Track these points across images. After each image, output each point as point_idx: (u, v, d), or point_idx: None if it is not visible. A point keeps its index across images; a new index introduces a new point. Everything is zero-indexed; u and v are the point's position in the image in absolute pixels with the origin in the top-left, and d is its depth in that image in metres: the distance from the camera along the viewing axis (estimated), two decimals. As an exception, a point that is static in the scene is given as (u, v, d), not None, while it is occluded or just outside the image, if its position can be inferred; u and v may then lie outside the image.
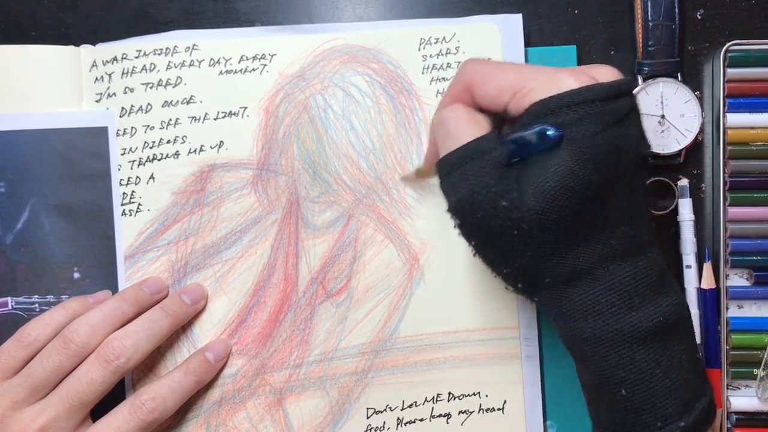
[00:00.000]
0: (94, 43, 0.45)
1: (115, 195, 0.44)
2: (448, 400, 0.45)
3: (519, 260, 0.33)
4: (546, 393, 0.45)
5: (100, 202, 0.44)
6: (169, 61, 0.45)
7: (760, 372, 0.45)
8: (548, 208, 0.31)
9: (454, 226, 0.34)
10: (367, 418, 0.44)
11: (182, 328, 0.44)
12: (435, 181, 0.35)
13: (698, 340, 0.45)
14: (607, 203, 0.32)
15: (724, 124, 0.45)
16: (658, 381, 0.32)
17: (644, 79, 0.45)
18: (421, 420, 0.45)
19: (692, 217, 0.46)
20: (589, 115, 0.31)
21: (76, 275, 0.44)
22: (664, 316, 0.32)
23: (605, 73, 0.33)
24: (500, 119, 0.36)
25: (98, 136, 0.44)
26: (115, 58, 0.45)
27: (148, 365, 0.44)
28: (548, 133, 0.31)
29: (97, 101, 0.45)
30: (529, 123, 0.32)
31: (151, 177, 0.45)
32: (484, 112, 0.35)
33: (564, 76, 0.32)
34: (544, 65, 0.43)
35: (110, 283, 0.44)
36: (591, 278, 0.32)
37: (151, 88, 0.45)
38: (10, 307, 0.44)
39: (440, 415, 0.45)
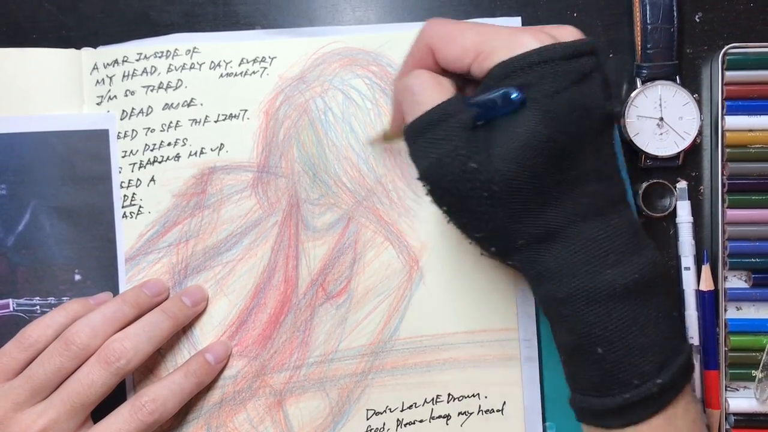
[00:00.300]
0: (95, 46, 0.45)
1: (116, 197, 0.44)
2: (448, 402, 0.45)
3: (491, 223, 0.33)
4: (545, 394, 0.45)
5: (100, 205, 0.44)
6: (170, 64, 0.45)
7: (758, 373, 0.45)
8: (516, 168, 0.31)
9: (426, 193, 0.34)
10: (367, 419, 0.45)
11: (183, 329, 0.44)
12: (401, 145, 0.35)
13: (696, 342, 0.46)
14: (575, 161, 0.32)
15: (722, 127, 0.45)
16: (635, 338, 0.32)
17: (643, 82, 0.45)
18: (421, 421, 0.45)
19: (691, 219, 0.46)
20: (549, 74, 0.31)
21: (77, 277, 0.44)
22: (640, 273, 0.32)
23: (566, 33, 0.33)
24: (464, 80, 0.36)
25: (99, 138, 0.44)
26: (116, 61, 0.45)
27: (148, 367, 0.44)
28: (512, 95, 0.31)
29: (98, 104, 0.45)
30: (492, 85, 0.32)
31: (152, 179, 0.45)
32: (447, 74, 0.35)
33: (524, 37, 0.32)
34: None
35: (111, 285, 0.44)
36: (564, 237, 0.32)
37: (151, 90, 0.45)
38: (11, 308, 0.44)
39: (440, 417, 0.45)
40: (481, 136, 0.32)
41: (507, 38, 0.32)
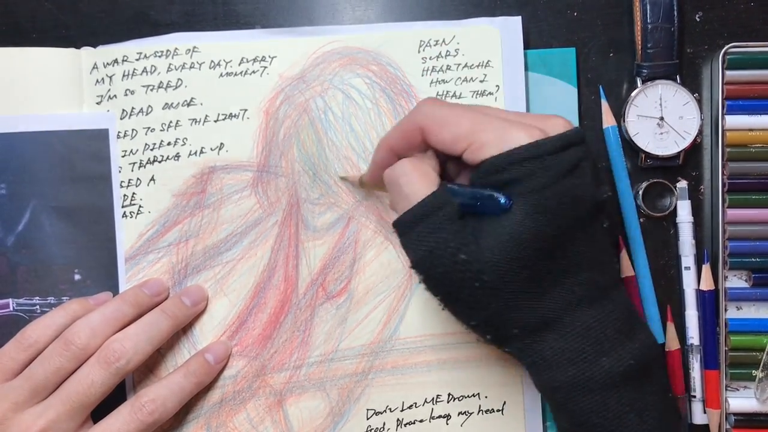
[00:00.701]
0: (94, 45, 0.45)
1: (115, 197, 0.44)
2: (448, 402, 0.45)
3: (484, 312, 0.33)
4: (545, 394, 0.45)
5: (100, 204, 0.44)
6: (170, 64, 0.45)
7: (758, 373, 0.45)
8: (505, 260, 0.31)
9: (419, 282, 0.35)
10: (367, 419, 0.44)
11: (183, 329, 0.44)
12: (378, 192, 0.38)
13: (697, 342, 0.45)
14: (566, 251, 0.32)
15: (722, 126, 0.45)
16: (633, 425, 0.32)
17: (643, 82, 0.45)
18: (421, 421, 0.44)
19: (691, 218, 0.46)
20: (537, 170, 0.32)
21: (77, 277, 0.44)
22: (635, 359, 0.32)
23: (556, 125, 0.33)
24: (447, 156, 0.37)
25: (99, 138, 0.44)
26: (115, 60, 0.44)
27: (148, 366, 0.44)
28: (500, 201, 0.32)
29: (97, 103, 0.44)
30: (481, 179, 0.33)
31: (152, 179, 0.44)
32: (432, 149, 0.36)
33: (515, 131, 0.32)
34: (547, 71, 0.44)
35: (111, 284, 0.44)
36: (558, 326, 0.33)
37: (151, 90, 0.45)
38: (11, 308, 0.43)
39: (440, 416, 0.44)
40: (469, 226, 0.33)
41: (498, 132, 0.33)
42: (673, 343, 0.45)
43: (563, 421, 0.34)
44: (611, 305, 0.33)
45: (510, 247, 0.31)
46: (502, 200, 0.32)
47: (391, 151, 0.37)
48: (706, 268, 0.45)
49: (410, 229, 0.34)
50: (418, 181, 0.34)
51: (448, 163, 0.38)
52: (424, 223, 0.33)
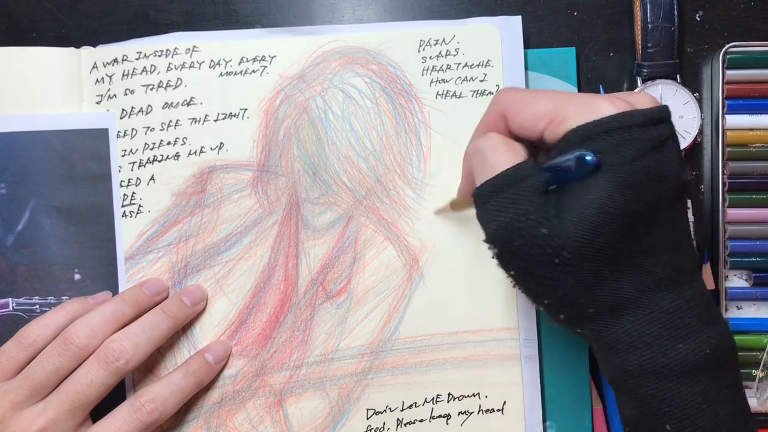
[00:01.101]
0: (94, 45, 0.44)
1: (115, 197, 0.44)
2: (448, 401, 0.44)
3: (561, 290, 0.31)
4: (545, 394, 0.45)
5: (100, 204, 0.44)
6: (170, 63, 0.44)
7: (758, 373, 0.44)
8: (589, 236, 0.30)
9: (492, 256, 0.33)
10: (367, 418, 0.44)
11: (182, 329, 0.44)
12: (470, 212, 0.34)
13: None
14: (650, 230, 0.31)
15: (723, 126, 0.45)
16: (705, 416, 0.31)
17: (643, 81, 0.45)
18: (421, 421, 0.44)
19: (691, 218, 0.45)
20: (627, 141, 0.30)
21: (77, 276, 0.43)
22: (711, 349, 0.31)
23: (642, 100, 0.32)
24: (536, 148, 0.35)
25: (99, 137, 0.44)
26: (115, 60, 0.44)
27: (148, 366, 0.43)
28: (586, 158, 0.30)
29: (97, 103, 0.44)
30: (566, 150, 0.31)
31: (152, 178, 0.44)
32: (520, 141, 0.34)
33: (601, 102, 0.31)
34: (547, 70, 0.43)
35: (111, 284, 0.43)
36: (636, 308, 0.31)
37: (151, 89, 0.44)
38: (10, 308, 0.43)
39: (440, 416, 0.44)
40: (553, 201, 0.31)
41: (582, 104, 0.31)
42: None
43: (630, 407, 0.32)
44: (691, 291, 0.32)
45: (595, 221, 0.30)
46: (589, 157, 0.30)
47: (480, 150, 0.35)
48: (706, 268, 0.45)
49: (491, 198, 0.32)
50: (504, 150, 0.32)
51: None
52: (505, 192, 0.31)
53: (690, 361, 0.31)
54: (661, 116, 0.31)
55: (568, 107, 0.31)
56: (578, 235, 0.30)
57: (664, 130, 0.31)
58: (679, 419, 0.31)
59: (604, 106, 0.31)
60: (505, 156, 0.32)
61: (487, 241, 0.32)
